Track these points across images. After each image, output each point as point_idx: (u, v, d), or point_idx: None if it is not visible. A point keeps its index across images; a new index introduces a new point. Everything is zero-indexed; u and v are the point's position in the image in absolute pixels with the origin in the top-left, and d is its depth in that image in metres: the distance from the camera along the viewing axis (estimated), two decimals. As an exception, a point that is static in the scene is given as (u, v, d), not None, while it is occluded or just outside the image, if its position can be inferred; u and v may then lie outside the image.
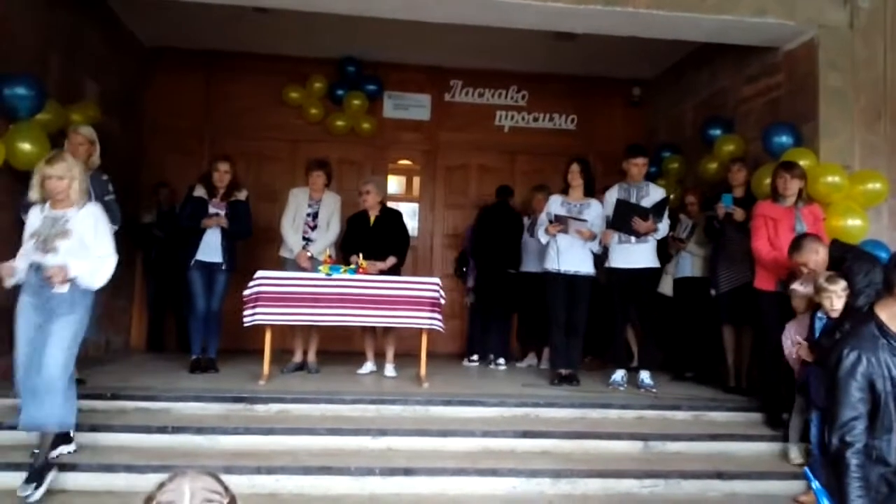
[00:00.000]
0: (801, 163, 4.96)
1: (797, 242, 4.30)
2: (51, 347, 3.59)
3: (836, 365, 2.36)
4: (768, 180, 5.16)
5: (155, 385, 4.96)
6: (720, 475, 4.17)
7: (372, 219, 6.05)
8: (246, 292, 5.23)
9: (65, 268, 3.58)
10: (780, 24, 5.32)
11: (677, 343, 6.31)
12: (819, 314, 4.09)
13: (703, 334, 5.95)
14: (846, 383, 2.30)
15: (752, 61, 6.07)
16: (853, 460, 2.27)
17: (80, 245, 3.68)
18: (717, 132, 6.38)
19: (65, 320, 3.64)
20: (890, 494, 2.32)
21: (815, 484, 3.13)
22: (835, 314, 3.95)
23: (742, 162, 5.73)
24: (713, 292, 5.62)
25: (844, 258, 4.18)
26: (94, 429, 4.19)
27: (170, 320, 7.27)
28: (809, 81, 5.35)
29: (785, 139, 5.36)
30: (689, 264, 6.03)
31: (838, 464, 2.30)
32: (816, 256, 4.19)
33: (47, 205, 3.75)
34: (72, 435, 3.92)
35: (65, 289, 3.63)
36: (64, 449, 3.86)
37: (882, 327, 2.34)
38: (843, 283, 3.94)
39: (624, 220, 5.41)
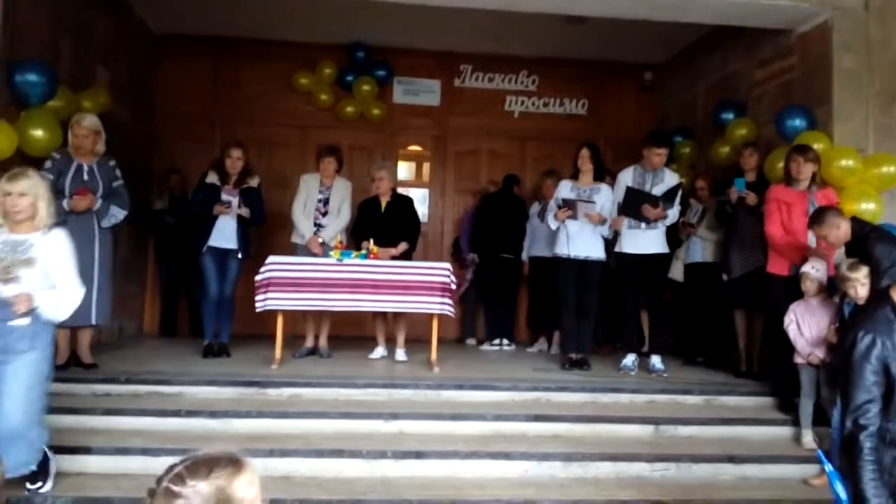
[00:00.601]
0: (815, 146, 4.93)
1: (818, 215, 4.28)
2: (9, 396, 3.15)
3: (850, 348, 2.34)
4: (781, 164, 5.13)
5: (168, 370, 5.00)
6: (732, 459, 4.17)
7: (383, 205, 6.05)
8: (257, 278, 5.24)
9: (30, 296, 3.14)
10: (794, 5, 5.28)
11: (688, 328, 6.29)
12: (847, 301, 4.07)
13: (714, 319, 5.93)
14: (860, 366, 2.29)
15: (765, 44, 6.01)
16: (867, 443, 2.26)
17: (45, 276, 3.24)
18: (730, 116, 6.33)
19: (24, 359, 3.18)
20: None
21: (828, 466, 3.13)
22: (861, 301, 3.92)
23: (754, 146, 5.69)
24: (725, 277, 5.60)
25: (867, 236, 4.14)
26: (109, 412, 4.23)
27: (182, 306, 7.32)
28: (823, 64, 5.30)
29: (798, 122, 5.32)
30: (700, 249, 6.01)
31: (851, 447, 2.29)
32: (837, 231, 4.17)
33: (4, 228, 3.28)
34: (50, 468, 3.48)
35: (25, 321, 3.18)
36: (38, 485, 3.44)
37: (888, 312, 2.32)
38: (865, 270, 3.90)
39: (634, 206, 5.40)
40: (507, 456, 4.06)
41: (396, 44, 7.70)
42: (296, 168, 7.15)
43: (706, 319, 6.06)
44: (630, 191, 5.46)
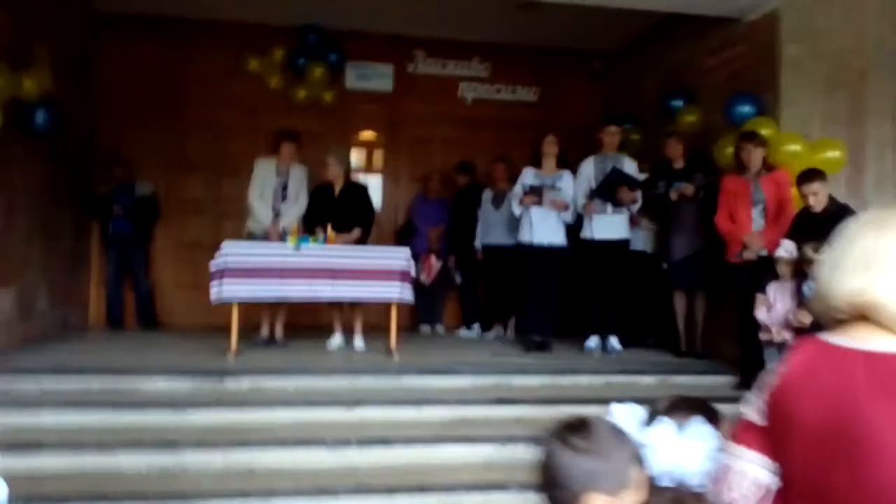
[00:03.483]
0: (763, 132, 5.09)
1: (809, 174, 4.47)
2: None
3: None
4: (730, 150, 5.29)
5: (120, 362, 4.86)
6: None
7: (336, 191, 5.98)
8: (212, 266, 5.12)
9: None
10: (743, -5, 5.41)
11: (636, 311, 6.44)
12: (808, 282, 4.21)
13: (659, 302, 6.10)
14: None
15: (714, 33, 6.13)
16: None
17: None
18: (679, 104, 6.45)
19: None
20: None
21: None
22: None
23: (676, 135, 5.87)
24: (665, 265, 5.78)
25: (844, 210, 4.31)
26: (60, 408, 4.08)
27: (129, 296, 7.12)
28: (770, 52, 5.44)
29: (746, 109, 5.46)
30: (641, 238, 6.14)
31: None
32: (824, 191, 4.38)
33: None
34: None
35: None
36: None
37: None
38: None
39: (612, 189, 5.52)
40: (471, 440, 4.09)
41: (349, 27, 7.58)
42: (246, 153, 6.95)
43: (652, 302, 6.22)
44: (614, 171, 5.59)
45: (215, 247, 5.20)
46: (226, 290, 5.04)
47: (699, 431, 1.37)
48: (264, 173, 5.83)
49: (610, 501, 1.30)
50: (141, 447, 3.82)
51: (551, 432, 1.38)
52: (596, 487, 1.29)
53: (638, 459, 1.35)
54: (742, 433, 1.96)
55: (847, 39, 5.38)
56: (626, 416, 1.41)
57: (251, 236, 5.81)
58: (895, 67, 5.42)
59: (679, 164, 5.76)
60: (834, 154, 5.07)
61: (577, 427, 1.36)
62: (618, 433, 1.36)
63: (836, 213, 4.32)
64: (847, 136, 5.27)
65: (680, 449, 1.39)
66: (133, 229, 6.94)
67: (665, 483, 1.41)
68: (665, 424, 1.40)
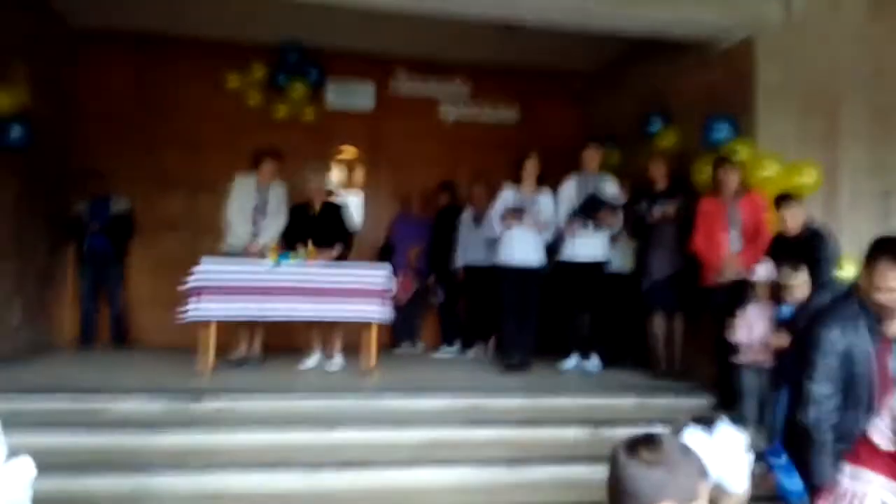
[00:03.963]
0: (740, 154, 5.14)
1: (787, 197, 4.51)
2: None
3: (816, 341, 2.36)
4: (707, 171, 5.33)
5: (90, 381, 4.76)
6: (666, 459, 4.26)
7: (316, 210, 5.95)
8: (187, 284, 5.05)
9: None
10: (718, 21, 5.47)
11: (614, 331, 6.43)
12: (785, 304, 4.22)
13: (636, 323, 6.10)
14: (824, 358, 2.31)
15: (691, 56, 6.19)
16: (827, 435, 2.29)
17: None
18: (657, 126, 6.51)
19: None
20: None
21: (781, 460, 3.19)
22: (799, 300, 4.09)
23: (659, 156, 5.91)
24: (644, 286, 5.79)
25: (817, 233, 4.41)
26: (29, 429, 3.96)
27: (104, 314, 7.00)
28: (746, 76, 5.50)
29: (723, 132, 5.51)
30: (620, 258, 6.15)
31: (810, 439, 2.31)
32: (799, 215, 4.44)
33: None
34: None
35: None
36: None
37: (862, 305, 2.37)
38: (804, 274, 4.08)
39: (590, 211, 5.57)
40: (448, 462, 4.03)
41: (330, 45, 7.57)
42: (223, 170, 6.89)
43: (630, 323, 6.23)
44: (592, 197, 5.66)
45: (192, 264, 5.14)
46: (203, 308, 4.97)
47: (728, 432, 1.48)
48: (243, 190, 5.79)
49: None
50: (111, 469, 3.73)
51: (621, 447, 1.47)
52: (666, 498, 1.39)
53: (703, 473, 1.45)
54: (867, 457, 2.25)
55: (821, 64, 5.46)
56: (696, 438, 1.50)
57: (229, 254, 5.74)
58: (869, 91, 5.51)
59: (662, 184, 5.80)
60: (809, 176, 5.12)
61: (647, 441, 1.45)
62: (684, 448, 1.45)
63: (811, 237, 4.37)
64: (822, 158, 5.33)
65: (713, 451, 1.49)
66: (109, 246, 6.85)
67: None
68: (695, 429, 1.51)
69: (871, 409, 2.31)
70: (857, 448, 2.34)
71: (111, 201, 6.93)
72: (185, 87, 7.46)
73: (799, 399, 2.38)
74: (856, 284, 2.45)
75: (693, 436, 1.53)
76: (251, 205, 5.76)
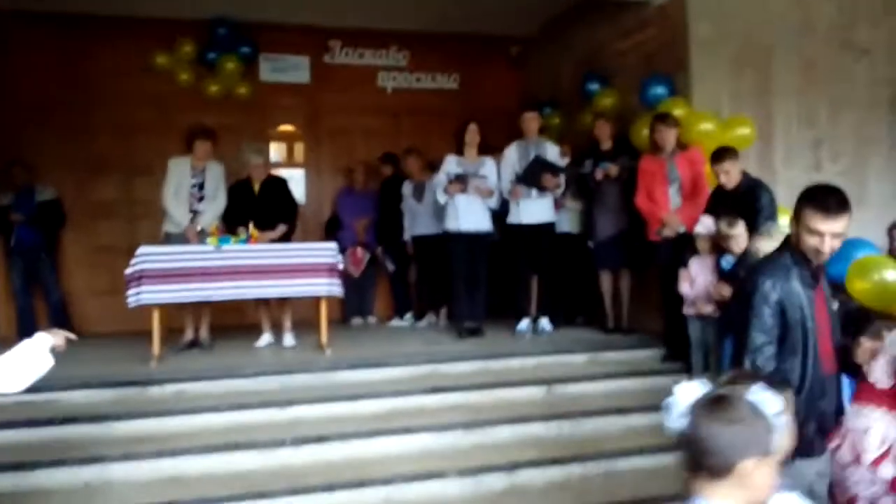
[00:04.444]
0: (676, 112, 5.23)
1: (721, 153, 4.57)
2: None
3: (751, 292, 2.45)
4: (646, 131, 5.41)
5: (34, 376, 4.60)
6: (620, 411, 4.39)
7: (256, 188, 5.84)
8: (127, 271, 4.92)
9: None
10: (652, -22, 5.53)
11: (565, 291, 6.54)
12: (726, 256, 4.35)
13: (586, 282, 6.22)
14: (759, 309, 2.40)
15: (627, 16, 6.24)
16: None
17: None
18: (595, 87, 6.56)
19: None
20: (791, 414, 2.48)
21: None
22: (739, 251, 4.23)
23: (604, 117, 5.97)
24: (591, 244, 5.89)
25: (757, 185, 4.50)
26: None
27: (40, 306, 6.77)
28: (680, 34, 5.57)
29: (660, 90, 5.59)
30: (567, 220, 6.22)
31: None
32: (734, 170, 4.50)
33: None
34: None
35: None
36: None
37: (794, 257, 2.46)
38: (741, 226, 4.21)
39: (535, 175, 5.62)
40: (407, 430, 4.07)
41: (260, 19, 7.36)
42: (158, 152, 6.70)
43: (580, 282, 6.34)
44: (537, 160, 5.69)
45: (131, 250, 5.00)
46: (145, 294, 4.85)
47: (762, 394, 1.55)
48: (179, 173, 5.61)
49: (760, 465, 1.48)
50: (63, 464, 3.65)
51: (699, 407, 1.54)
52: (746, 454, 1.47)
53: (776, 430, 1.54)
54: (867, 395, 2.71)
55: (752, 18, 5.57)
56: (691, 391, 1.57)
57: (168, 238, 5.59)
58: (798, 45, 5.67)
59: (607, 145, 5.87)
60: (744, 131, 5.25)
61: (723, 401, 1.54)
62: (755, 406, 1.53)
63: (750, 188, 4.49)
64: (756, 112, 5.47)
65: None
66: (38, 237, 6.59)
67: None
68: (688, 384, 1.61)
69: (807, 355, 2.42)
70: (858, 389, 2.75)
71: (36, 191, 6.65)
72: (114, 68, 7.17)
73: (742, 346, 2.47)
74: (789, 235, 2.53)
75: (684, 388, 1.61)
76: (187, 188, 5.60)
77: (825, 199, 2.36)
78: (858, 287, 4.13)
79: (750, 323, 2.42)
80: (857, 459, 2.67)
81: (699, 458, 1.50)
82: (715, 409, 1.52)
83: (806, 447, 2.34)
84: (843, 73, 5.78)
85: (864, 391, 2.71)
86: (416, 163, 6.70)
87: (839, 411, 2.63)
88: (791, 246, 2.49)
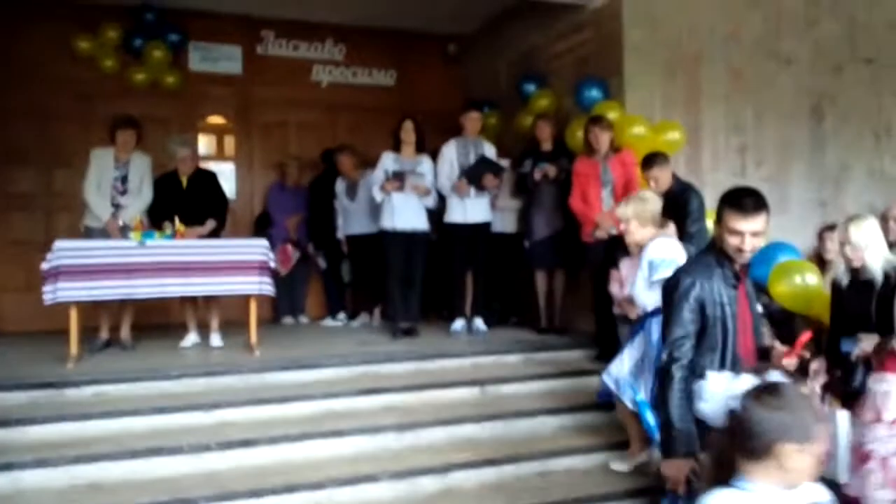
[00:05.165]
0: (609, 115, 5.31)
1: (651, 159, 4.66)
2: None
3: (672, 288, 2.58)
4: (580, 133, 5.48)
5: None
6: (551, 411, 4.42)
7: (184, 181, 5.64)
8: (44, 266, 4.67)
9: None
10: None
11: (499, 290, 6.57)
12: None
13: (521, 281, 6.25)
14: (679, 305, 2.52)
15: (562, 19, 6.31)
16: (678, 373, 2.49)
17: None
18: (532, 88, 6.60)
19: None
20: None
21: (639, 396, 3.42)
22: None
23: (545, 118, 6.01)
24: (527, 243, 5.93)
25: (688, 188, 4.64)
26: None
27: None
28: (614, 38, 5.66)
29: (594, 93, 5.67)
30: (500, 220, 6.23)
31: (664, 376, 2.52)
32: (663, 176, 4.61)
33: None
34: None
35: None
36: None
37: (718, 258, 2.58)
38: (671, 227, 4.27)
39: (478, 174, 5.66)
40: (339, 433, 3.98)
41: (190, 6, 7.11)
42: (80, 142, 6.40)
43: (514, 282, 6.37)
44: (482, 160, 5.72)
45: (49, 244, 4.75)
46: (61, 291, 4.61)
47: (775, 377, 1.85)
48: (101, 164, 5.36)
49: (800, 451, 1.63)
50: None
51: (748, 394, 1.72)
52: (788, 439, 1.62)
53: (820, 418, 1.70)
54: (890, 364, 3.19)
55: (683, 26, 5.71)
56: (720, 381, 1.88)
57: (89, 232, 5.34)
58: (726, 53, 5.84)
59: (547, 146, 5.90)
60: (674, 135, 5.37)
61: (771, 389, 1.72)
62: (803, 395, 1.74)
63: (680, 192, 4.59)
64: (685, 117, 5.62)
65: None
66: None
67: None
68: (748, 376, 1.91)
69: (725, 352, 2.54)
70: (882, 359, 3.18)
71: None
72: (33, 52, 6.79)
73: (664, 339, 2.60)
74: (714, 237, 2.64)
75: (746, 379, 1.97)
76: (109, 180, 5.36)
77: (742, 199, 2.49)
78: (780, 290, 4.28)
79: (670, 317, 2.55)
80: (877, 418, 3.14)
81: (744, 440, 1.66)
82: (763, 396, 1.68)
83: None
84: (769, 82, 5.98)
85: (889, 361, 3.16)
86: (348, 161, 6.59)
87: None
88: (715, 247, 2.60)
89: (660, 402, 2.56)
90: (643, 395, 3.47)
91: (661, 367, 2.55)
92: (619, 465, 3.95)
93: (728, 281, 2.56)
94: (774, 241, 4.82)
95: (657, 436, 3.02)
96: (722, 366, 2.52)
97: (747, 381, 1.88)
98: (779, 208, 5.89)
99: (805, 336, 2.64)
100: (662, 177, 4.62)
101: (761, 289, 4.50)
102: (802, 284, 4.25)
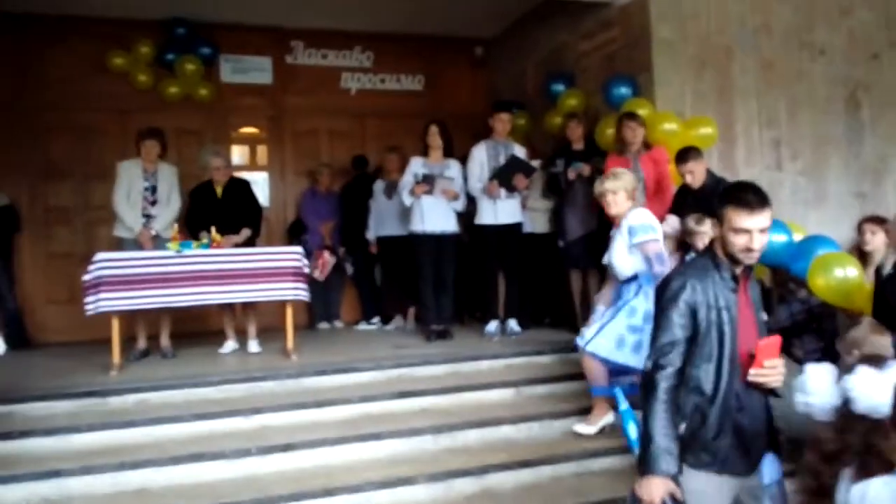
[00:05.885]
0: (640, 112, 5.26)
1: (685, 153, 4.61)
2: None
3: (661, 291, 2.37)
4: (610, 131, 5.44)
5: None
6: (587, 412, 4.37)
7: (219, 191, 5.73)
8: (85, 278, 4.78)
9: None
10: (614, -21, 5.57)
11: (532, 292, 6.55)
12: (690, 253, 4.37)
13: (553, 282, 6.22)
14: (667, 309, 2.29)
15: (589, 17, 6.28)
16: (662, 383, 2.23)
17: None
18: (560, 88, 6.57)
19: None
20: (703, 424, 2.29)
21: (622, 405, 3.33)
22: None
23: (576, 117, 5.97)
24: (561, 243, 5.90)
25: (720, 183, 4.49)
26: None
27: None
28: (643, 34, 5.62)
29: (623, 91, 5.63)
30: (531, 220, 6.21)
31: (647, 386, 2.28)
32: (699, 169, 4.54)
33: None
34: None
35: None
36: None
37: (716, 260, 2.35)
38: (709, 223, 4.23)
39: (509, 175, 5.62)
40: (376, 436, 4.01)
41: (220, 19, 7.23)
42: (116, 156, 6.48)
43: (548, 282, 6.34)
44: (512, 159, 5.69)
45: (89, 256, 4.87)
46: (103, 301, 4.72)
47: None
48: (130, 176, 5.47)
49: None
50: (19, 479, 3.52)
51: None
52: None
53: None
54: None
55: (711, 19, 5.65)
56: (822, 374, 1.87)
57: (121, 243, 5.45)
58: (756, 45, 5.75)
59: (578, 145, 5.87)
60: (706, 130, 5.31)
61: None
62: None
63: (714, 187, 4.53)
64: (717, 112, 5.55)
65: (884, 387, 1.86)
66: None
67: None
68: (865, 369, 1.91)
69: (722, 362, 2.28)
70: None
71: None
72: (69, 69, 6.98)
73: (651, 345, 2.37)
74: (713, 240, 2.43)
75: (863, 373, 1.93)
76: (139, 191, 5.47)
77: (746, 195, 2.28)
78: (820, 284, 4.20)
79: (657, 322, 2.33)
80: None
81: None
82: None
83: (720, 462, 2.28)
84: (802, 73, 5.89)
85: None
86: (395, 162, 6.64)
87: (770, 431, 2.42)
88: (713, 249, 2.38)
89: (642, 413, 2.29)
90: (626, 404, 3.37)
91: (645, 374, 2.30)
92: (584, 428, 4.12)
93: (727, 284, 2.32)
94: (813, 235, 4.74)
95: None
96: (717, 378, 2.27)
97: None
98: (816, 202, 5.83)
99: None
100: (698, 170, 4.57)
101: (801, 283, 4.42)
102: (843, 277, 4.15)
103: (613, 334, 3.96)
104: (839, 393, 2.14)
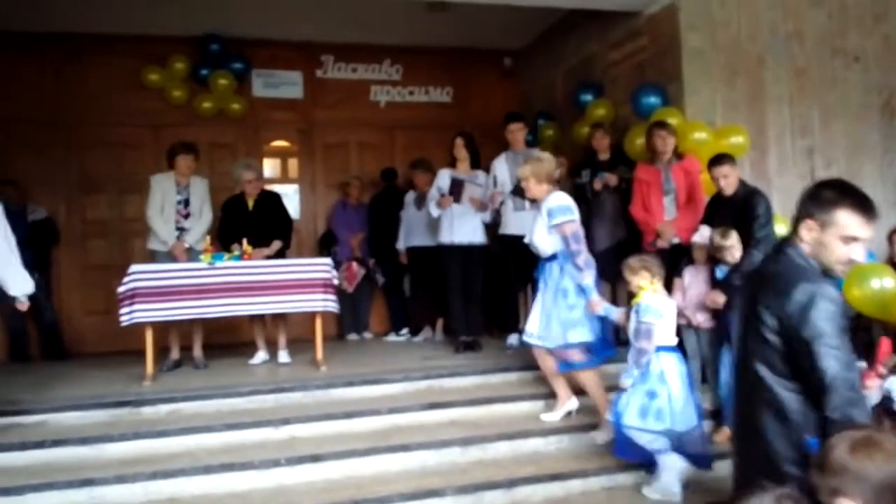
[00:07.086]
0: (670, 121, 5.21)
1: (719, 158, 4.55)
2: None
3: (808, 308, 1.97)
4: (640, 140, 5.40)
5: (26, 397, 4.55)
6: (619, 424, 4.33)
7: (250, 203, 5.80)
8: (120, 289, 4.87)
9: None
10: (642, -12, 5.54)
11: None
12: (720, 266, 4.32)
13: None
14: (833, 329, 1.92)
15: (617, 26, 6.26)
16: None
17: None
18: (588, 97, 6.56)
19: None
20: None
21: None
22: (733, 262, 4.22)
23: (602, 127, 5.93)
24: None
25: (753, 193, 4.46)
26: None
27: (31, 327, 6.69)
28: (672, 43, 5.58)
29: (652, 100, 5.60)
30: None
31: (858, 408, 1.94)
32: (733, 174, 4.49)
33: None
34: None
35: None
36: None
37: (810, 265, 2.09)
38: (735, 236, 4.20)
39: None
40: (405, 448, 4.01)
41: (252, 35, 7.36)
42: (150, 170, 6.62)
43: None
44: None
45: (124, 268, 4.96)
46: (137, 312, 4.80)
47: None
48: (163, 189, 5.57)
49: None
50: (53, 487, 3.57)
51: None
52: None
53: None
54: None
55: (742, 27, 5.59)
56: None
57: (154, 256, 5.54)
58: (788, 53, 5.67)
59: (605, 155, 5.84)
60: (738, 139, 5.24)
61: None
62: None
63: (747, 196, 4.46)
64: (748, 121, 5.47)
65: None
66: (30, 257, 6.50)
67: None
68: None
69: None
70: None
71: (28, 210, 6.60)
72: (104, 85, 7.15)
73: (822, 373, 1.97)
74: (786, 247, 2.15)
75: None
76: (172, 204, 5.57)
77: (866, 200, 1.99)
78: (856, 295, 4.11)
79: (827, 344, 1.92)
80: None
81: None
82: None
83: None
84: (835, 81, 5.79)
85: None
86: (423, 177, 6.68)
87: None
88: (803, 255, 2.08)
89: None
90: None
91: (842, 417, 1.92)
92: (549, 416, 4.34)
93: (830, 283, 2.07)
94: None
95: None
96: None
97: None
98: (851, 211, 5.70)
99: (885, 346, 2.49)
100: (731, 176, 4.50)
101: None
102: (879, 288, 4.06)
103: (558, 321, 4.16)
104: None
